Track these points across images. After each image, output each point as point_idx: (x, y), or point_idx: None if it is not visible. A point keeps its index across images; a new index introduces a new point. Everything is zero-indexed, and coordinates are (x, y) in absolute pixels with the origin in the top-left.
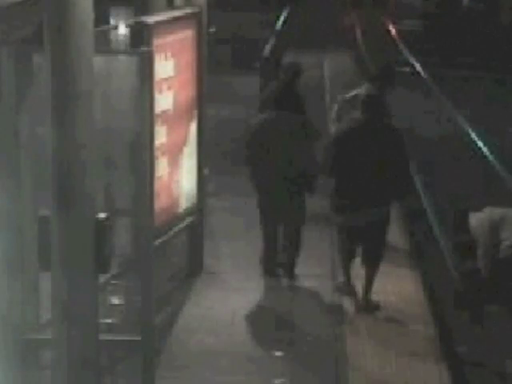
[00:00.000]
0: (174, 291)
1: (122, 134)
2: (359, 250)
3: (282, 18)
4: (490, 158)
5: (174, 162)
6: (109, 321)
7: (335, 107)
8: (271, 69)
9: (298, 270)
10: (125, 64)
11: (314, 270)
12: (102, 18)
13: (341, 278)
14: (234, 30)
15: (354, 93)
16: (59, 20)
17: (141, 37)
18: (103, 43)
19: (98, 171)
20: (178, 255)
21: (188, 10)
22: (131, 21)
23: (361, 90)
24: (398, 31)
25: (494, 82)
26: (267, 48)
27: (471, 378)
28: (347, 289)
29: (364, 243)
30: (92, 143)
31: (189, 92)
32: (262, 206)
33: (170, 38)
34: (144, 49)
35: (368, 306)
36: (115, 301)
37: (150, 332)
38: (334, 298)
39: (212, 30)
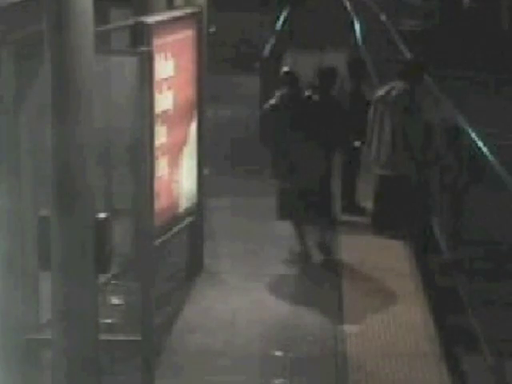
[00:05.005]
0: (174, 291)
1: (122, 133)
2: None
3: (281, 19)
4: None
5: (174, 162)
6: (109, 321)
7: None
8: (271, 69)
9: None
10: (125, 64)
11: None
12: (101, 18)
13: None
14: (233, 30)
15: (385, 89)
16: (59, 20)
17: (141, 37)
18: (103, 43)
19: (98, 171)
20: (178, 255)
21: (188, 10)
22: (131, 21)
23: (391, 87)
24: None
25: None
26: (267, 48)
27: None
28: (304, 253)
29: (309, 203)
30: (92, 143)
31: (189, 92)
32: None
33: (170, 38)
34: (144, 49)
35: (328, 263)
36: (115, 301)
37: (149, 332)
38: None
39: (212, 29)
